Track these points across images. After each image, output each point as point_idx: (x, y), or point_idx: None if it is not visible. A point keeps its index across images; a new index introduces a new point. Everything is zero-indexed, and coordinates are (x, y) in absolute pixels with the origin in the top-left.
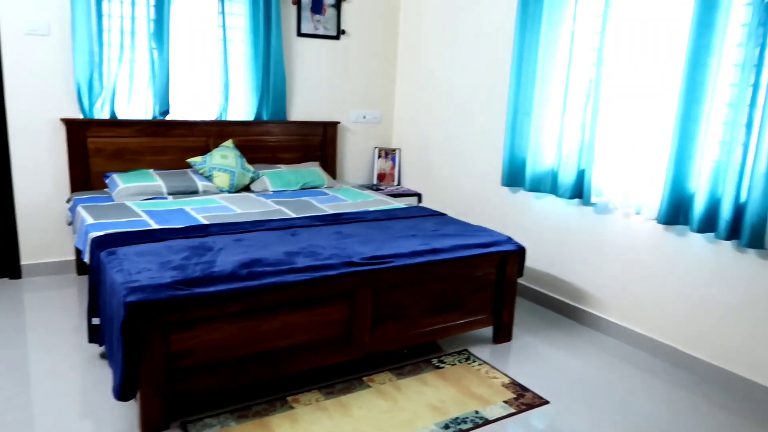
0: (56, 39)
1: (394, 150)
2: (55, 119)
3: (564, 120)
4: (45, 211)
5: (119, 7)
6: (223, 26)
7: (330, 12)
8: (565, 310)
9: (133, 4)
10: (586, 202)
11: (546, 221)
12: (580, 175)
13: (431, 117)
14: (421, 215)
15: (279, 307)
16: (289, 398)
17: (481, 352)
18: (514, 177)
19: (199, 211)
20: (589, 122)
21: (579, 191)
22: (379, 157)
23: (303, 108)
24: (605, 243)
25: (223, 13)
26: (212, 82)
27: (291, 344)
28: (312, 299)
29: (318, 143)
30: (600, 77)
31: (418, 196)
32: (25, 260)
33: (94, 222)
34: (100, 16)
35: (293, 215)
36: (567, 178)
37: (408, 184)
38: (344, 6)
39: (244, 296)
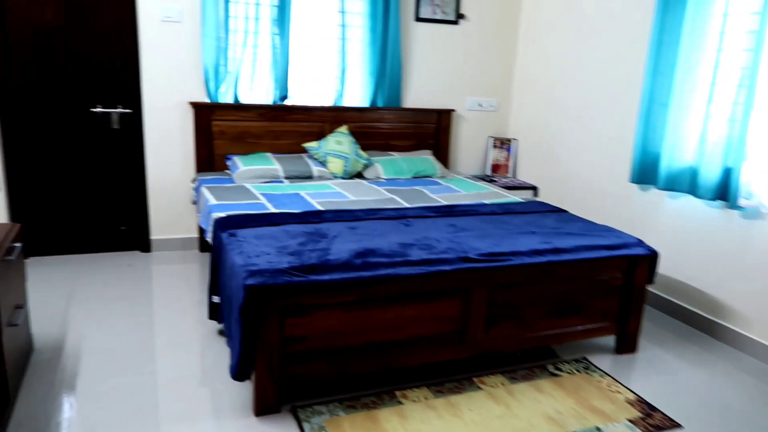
0: (188, 25)
1: (509, 140)
2: (184, 102)
3: (709, 111)
4: (173, 189)
5: None
6: (343, 11)
7: None
8: (700, 324)
9: None
10: (733, 205)
11: (681, 224)
12: (726, 174)
13: (552, 105)
14: (541, 211)
15: (392, 299)
16: (397, 393)
17: (602, 362)
18: (645, 173)
19: (314, 196)
20: (740, 114)
21: (724, 192)
22: (494, 146)
23: (418, 95)
24: (754, 252)
25: None
26: (330, 68)
27: (402, 337)
28: (425, 293)
29: (431, 131)
30: (757, 64)
31: (534, 189)
32: (154, 235)
33: (217, 203)
34: (227, 2)
35: (406, 205)
36: (710, 176)
37: (523, 176)
38: None
39: (358, 286)
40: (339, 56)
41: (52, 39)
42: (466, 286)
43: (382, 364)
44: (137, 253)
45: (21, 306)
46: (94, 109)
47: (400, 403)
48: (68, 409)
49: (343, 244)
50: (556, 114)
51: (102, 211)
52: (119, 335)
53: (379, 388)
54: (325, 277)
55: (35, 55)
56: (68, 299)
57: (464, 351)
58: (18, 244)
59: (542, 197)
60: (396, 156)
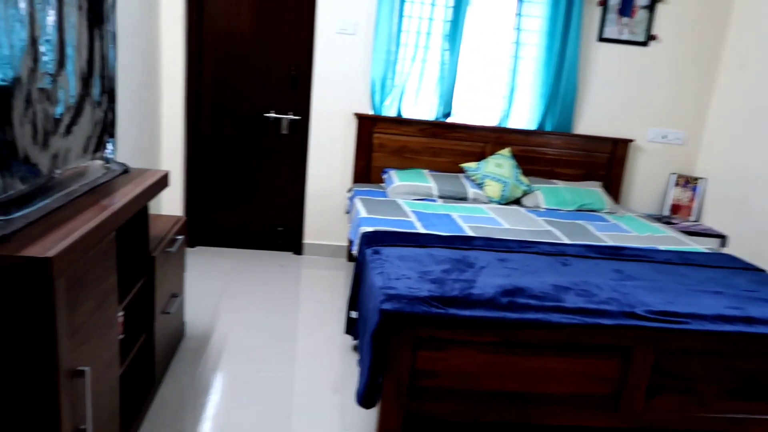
0: (361, 38)
1: (696, 179)
2: (349, 113)
3: None
4: (329, 197)
5: (420, 8)
6: (519, 28)
7: (641, 14)
8: None
9: (432, 4)
10: None
11: None
12: None
13: (754, 144)
14: (730, 267)
15: (538, 348)
16: None
17: None
18: None
19: (466, 219)
20: None
21: None
22: (676, 185)
23: (592, 121)
24: None
25: (520, 14)
26: (498, 87)
27: (545, 392)
28: (578, 346)
29: (603, 161)
30: None
31: (722, 238)
32: (307, 239)
33: (367, 216)
34: (401, 16)
35: (566, 240)
36: None
37: (709, 221)
38: (659, 8)
39: (501, 327)
40: (509, 75)
41: (239, 46)
42: (628, 346)
43: (518, 418)
44: (290, 255)
45: (176, 295)
46: (268, 114)
47: None
48: (207, 398)
49: (489, 278)
50: (759, 154)
51: (263, 210)
52: (263, 334)
53: None
54: (466, 312)
55: (223, 60)
56: (222, 292)
57: (618, 419)
58: (180, 237)
59: (732, 250)
60: (560, 185)
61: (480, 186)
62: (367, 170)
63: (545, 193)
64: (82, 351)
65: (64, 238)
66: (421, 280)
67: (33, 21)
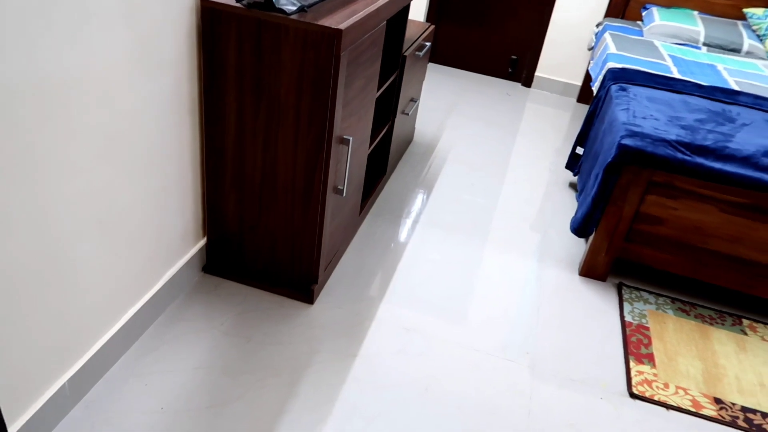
0: None
1: None
2: None
3: None
4: (574, 30)
5: None
6: None
7: None
8: None
9: None
10: None
11: None
12: None
13: None
14: None
15: None
16: (744, 321)
17: None
18: None
19: (733, 73)
20: None
21: None
22: None
23: None
24: None
25: None
26: None
27: None
28: None
29: None
30: None
31: None
32: (539, 72)
33: (616, 52)
34: None
35: None
36: None
37: None
38: None
39: (754, 189)
40: None
41: None
42: None
43: (742, 286)
44: (518, 86)
45: (414, 100)
46: None
47: (744, 333)
48: (424, 197)
49: (751, 136)
50: None
51: (500, 36)
52: (480, 155)
53: (724, 306)
54: (716, 165)
55: None
56: (449, 109)
57: None
58: (428, 44)
59: None
60: None
61: (762, 39)
62: (625, 4)
63: None
64: (348, 123)
65: (350, 17)
66: (669, 123)
67: None
